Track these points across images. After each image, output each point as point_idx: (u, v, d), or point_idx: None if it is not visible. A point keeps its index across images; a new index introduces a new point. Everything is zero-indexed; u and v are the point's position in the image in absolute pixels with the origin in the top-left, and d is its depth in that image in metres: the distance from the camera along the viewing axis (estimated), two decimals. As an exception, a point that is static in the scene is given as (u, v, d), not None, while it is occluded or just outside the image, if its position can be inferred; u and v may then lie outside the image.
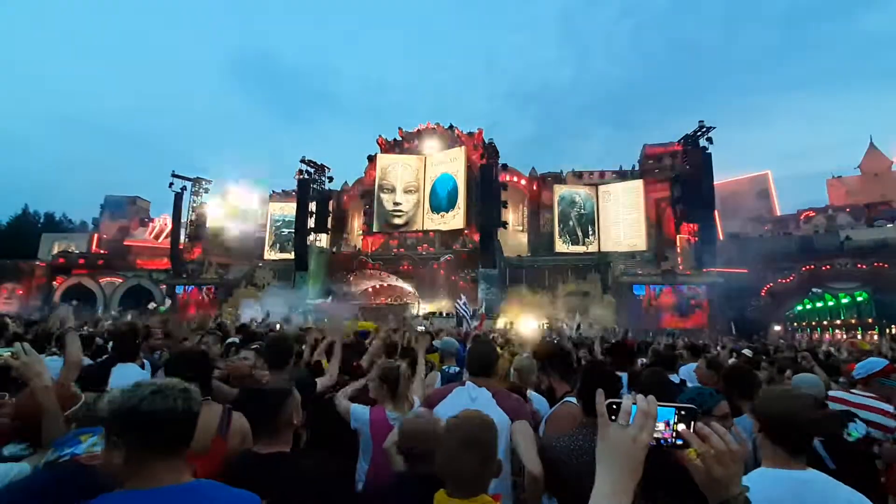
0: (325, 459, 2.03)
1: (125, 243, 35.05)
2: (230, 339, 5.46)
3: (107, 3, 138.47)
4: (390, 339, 5.00)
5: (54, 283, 31.33)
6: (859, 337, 20.15)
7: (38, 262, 32.88)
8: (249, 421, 2.08)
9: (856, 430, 2.45)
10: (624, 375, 3.81)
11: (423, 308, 22.30)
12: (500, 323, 17.47)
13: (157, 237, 35.41)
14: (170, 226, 31.16)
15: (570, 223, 26.98)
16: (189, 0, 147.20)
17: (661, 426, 0.73)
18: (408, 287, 25.21)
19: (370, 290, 26.65)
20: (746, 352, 5.49)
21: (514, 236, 27.65)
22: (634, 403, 0.72)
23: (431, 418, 1.98)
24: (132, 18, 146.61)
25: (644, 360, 5.28)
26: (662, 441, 0.73)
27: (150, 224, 37.19)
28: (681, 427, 0.74)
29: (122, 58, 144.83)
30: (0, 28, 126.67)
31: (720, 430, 0.75)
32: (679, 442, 0.74)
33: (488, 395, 2.34)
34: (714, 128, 22.11)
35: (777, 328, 22.61)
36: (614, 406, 0.74)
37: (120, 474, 1.05)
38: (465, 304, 12.39)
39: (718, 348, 6.80)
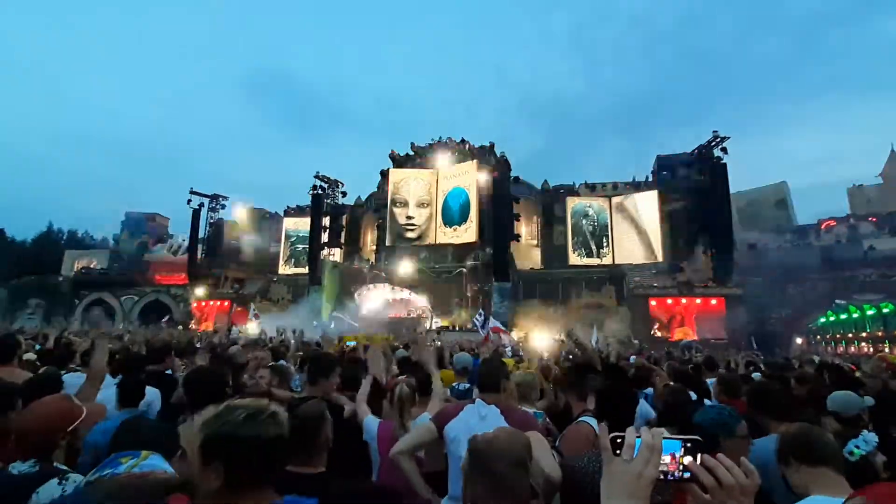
0: (364, 483, 2.03)
1: (144, 259, 35.87)
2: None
3: (125, 23, 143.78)
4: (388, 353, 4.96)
5: (76, 299, 32.09)
6: (886, 350, 19.48)
7: (61, 278, 33.77)
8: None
9: (858, 447, 2.29)
10: (645, 393, 3.75)
11: (435, 322, 22.24)
12: (514, 336, 17.31)
13: (175, 253, 36.15)
14: (187, 242, 31.79)
15: (584, 235, 26.79)
16: (205, 19, 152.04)
17: (666, 459, 0.71)
18: (421, 301, 25.19)
19: (383, 303, 26.69)
20: (756, 375, 5.16)
21: (527, 249, 27.53)
22: (639, 437, 0.71)
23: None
24: (151, 39, 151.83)
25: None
26: (669, 475, 0.71)
27: (169, 240, 38.02)
28: (687, 460, 0.72)
29: (142, 78, 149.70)
30: (24, 52, 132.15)
31: (727, 462, 0.73)
32: (686, 475, 0.71)
33: (497, 411, 2.32)
34: (728, 137, 21.88)
35: (799, 341, 21.99)
36: (619, 440, 0.72)
37: (215, 498, 1.07)
38: (480, 315, 12.62)
39: (733, 363, 6.61)
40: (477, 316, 12.92)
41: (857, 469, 1.98)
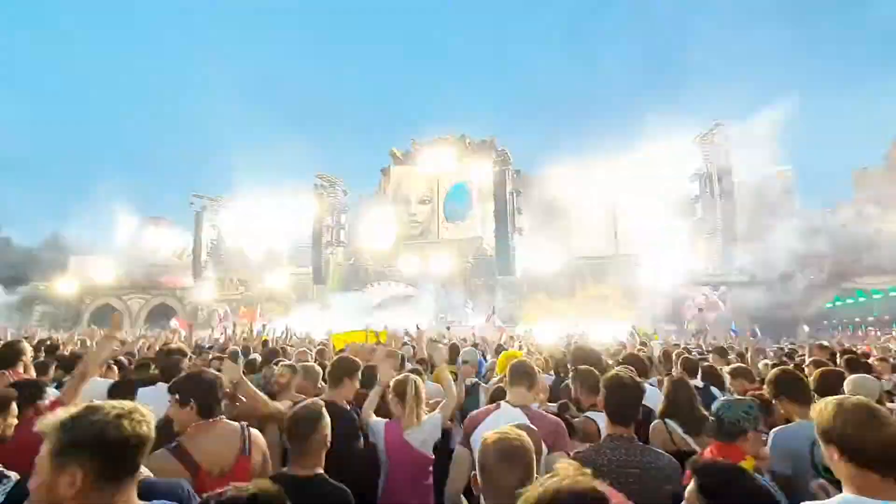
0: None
1: (150, 263, 36.02)
2: (251, 356, 5.51)
3: (121, 27, 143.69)
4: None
5: (83, 304, 32.28)
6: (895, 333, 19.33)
7: (67, 284, 33.94)
8: (288, 442, 2.12)
9: None
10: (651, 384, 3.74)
11: (441, 318, 22.25)
12: (520, 330, 17.30)
13: (179, 256, 36.29)
14: (191, 244, 31.88)
15: (587, 226, 26.65)
16: (201, 19, 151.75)
17: None
18: (425, 297, 25.20)
19: (387, 301, 26.73)
20: (765, 362, 5.07)
21: (531, 242, 27.46)
22: None
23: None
24: (150, 42, 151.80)
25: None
26: None
27: (173, 243, 38.15)
28: None
29: (141, 80, 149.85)
30: (21, 57, 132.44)
31: None
32: None
33: (522, 416, 2.28)
34: (731, 124, 21.72)
35: (806, 328, 21.88)
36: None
37: (70, 502, 1.02)
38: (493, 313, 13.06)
39: (745, 350, 6.58)
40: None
41: None
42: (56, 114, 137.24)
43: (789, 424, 2.37)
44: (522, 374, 2.49)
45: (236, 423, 2.17)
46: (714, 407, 2.18)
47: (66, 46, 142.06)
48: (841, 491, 1.43)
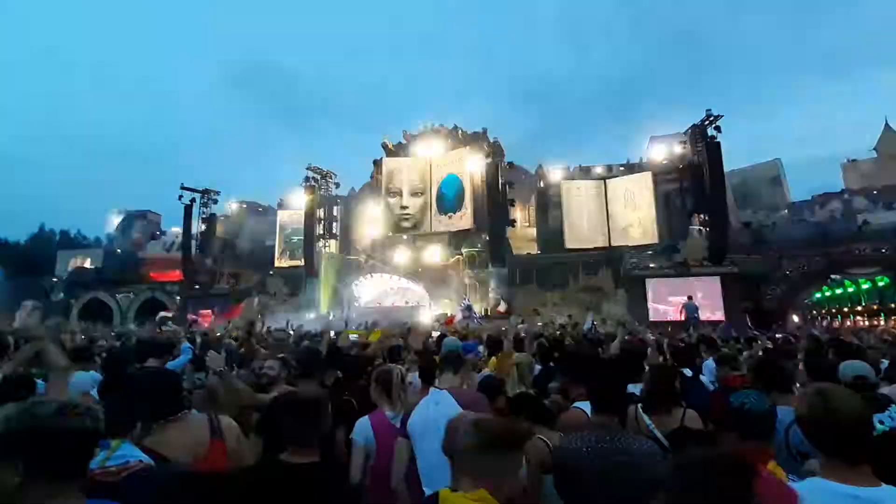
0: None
1: (139, 256, 35.62)
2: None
3: (108, 19, 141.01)
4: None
5: (72, 299, 31.90)
6: (882, 323, 19.64)
7: (55, 279, 33.54)
8: (283, 429, 2.06)
9: (882, 423, 2.13)
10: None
11: (434, 311, 22.25)
12: (512, 321, 17.37)
13: (168, 249, 35.91)
14: (181, 238, 31.53)
15: (579, 219, 26.71)
16: (188, 13, 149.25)
17: None
18: (418, 289, 25.18)
19: (381, 293, 26.68)
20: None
21: (523, 234, 27.47)
22: None
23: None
24: (133, 35, 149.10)
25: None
26: None
27: (162, 237, 37.73)
28: None
29: (127, 73, 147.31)
30: (5, 53, 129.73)
31: None
32: None
33: (448, 395, 2.54)
34: (721, 116, 21.72)
35: (795, 318, 22.13)
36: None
37: (12, 497, 0.98)
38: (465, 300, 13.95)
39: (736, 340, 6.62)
40: (463, 301, 13.76)
41: (881, 443, 1.89)
42: (38, 106, 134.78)
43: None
44: (450, 361, 2.84)
45: (202, 414, 2.21)
46: (735, 398, 1.88)
47: (51, 33, 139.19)
48: None
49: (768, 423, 1.77)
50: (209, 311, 27.31)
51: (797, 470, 1.81)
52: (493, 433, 1.43)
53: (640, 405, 2.62)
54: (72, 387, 2.94)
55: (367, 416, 2.73)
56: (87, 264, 36.00)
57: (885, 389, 2.90)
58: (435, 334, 8.62)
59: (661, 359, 4.60)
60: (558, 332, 9.32)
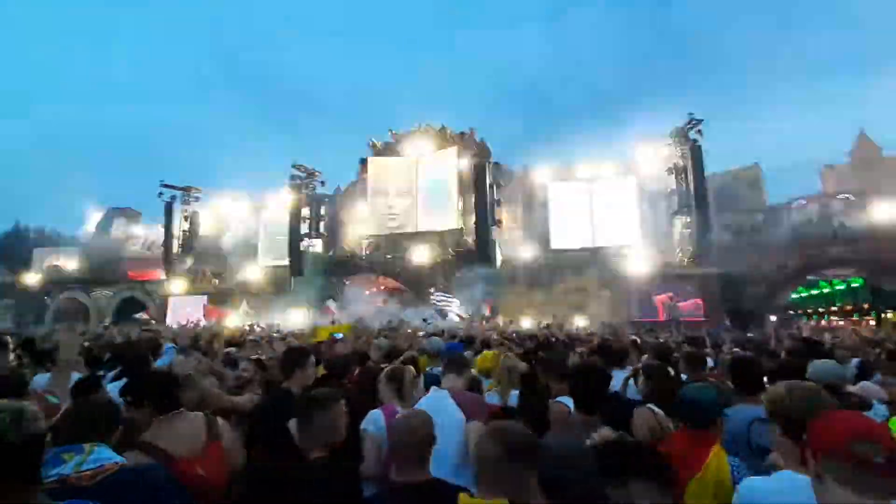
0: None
1: (117, 255, 34.75)
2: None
3: (87, 16, 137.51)
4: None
5: (47, 298, 31.02)
6: (841, 323, 20.22)
7: (30, 278, 32.55)
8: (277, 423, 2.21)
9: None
10: (621, 373, 3.75)
11: (420, 311, 22.21)
12: (500, 322, 17.45)
13: (148, 248, 35.12)
14: (161, 236, 30.89)
15: (565, 219, 26.93)
16: (173, 10, 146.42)
17: None
18: (404, 289, 25.13)
19: (367, 293, 26.54)
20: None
21: (510, 234, 27.57)
22: None
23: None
24: (113, 29, 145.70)
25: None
26: None
27: (142, 235, 36.88)
28: None
29: (106, 67, 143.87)
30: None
31: None
32: None
33: (448, 395, 2.61)
34: (703, 120, 22.18)
35: (773, 318, 22.66)
36: None
37: None
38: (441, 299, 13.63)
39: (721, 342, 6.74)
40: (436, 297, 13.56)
41: None
42: (11, 102, 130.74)
43: (733, 407, 2.52)
44: (453, 364, 2.95)
45: (199, 414, 2.23)
46: (685, 391, 2.14)
47: (28, 33, 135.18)
48: None
49: (710, 412, 1.99)
50: (191, 310, 26.80)
51: (759, 466, 1.90)
52: (515, 444, 1.44)
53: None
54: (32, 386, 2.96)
55: (379, 409, 2.73)
56: (65, 263, 35.04)
57: (853, 388, 2.98)
58: (420, 334, 8.62)
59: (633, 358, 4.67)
60: (544, 331, 9.39)
